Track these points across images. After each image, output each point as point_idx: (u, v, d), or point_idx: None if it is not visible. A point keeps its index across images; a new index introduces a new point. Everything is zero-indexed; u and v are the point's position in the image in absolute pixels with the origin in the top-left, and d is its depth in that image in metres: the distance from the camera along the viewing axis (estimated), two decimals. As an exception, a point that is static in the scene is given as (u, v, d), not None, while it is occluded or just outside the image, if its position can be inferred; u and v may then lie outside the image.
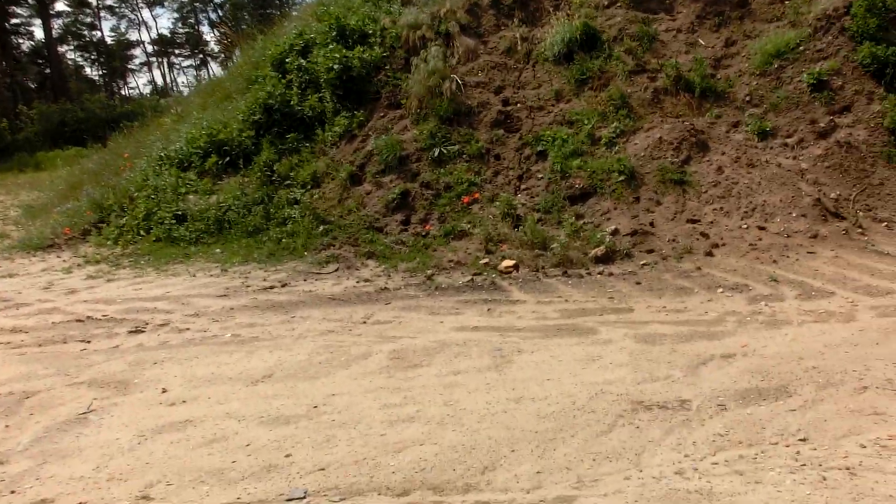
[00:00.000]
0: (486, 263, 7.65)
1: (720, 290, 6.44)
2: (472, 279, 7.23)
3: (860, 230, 7.74)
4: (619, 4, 11.35)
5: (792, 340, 5.15)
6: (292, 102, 10.64)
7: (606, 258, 7.57)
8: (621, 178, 8.71)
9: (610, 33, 10.88)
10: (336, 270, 7.77)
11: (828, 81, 9.50)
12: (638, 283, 6.80)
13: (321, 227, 8.83)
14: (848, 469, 3.41)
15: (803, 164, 8.76)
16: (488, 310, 6.26)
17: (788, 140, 9.15)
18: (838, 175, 8.57)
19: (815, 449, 3.63)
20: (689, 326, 5.55)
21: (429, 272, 7.44)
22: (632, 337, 5.38)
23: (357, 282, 7.31)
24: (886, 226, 7.87)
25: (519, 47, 11.14)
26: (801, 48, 9.91)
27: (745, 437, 3.77)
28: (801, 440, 3.73)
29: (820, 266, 6.87)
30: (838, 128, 9.09)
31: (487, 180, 9.40)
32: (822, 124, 9.14)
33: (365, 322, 6.05)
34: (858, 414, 4.00)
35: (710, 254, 7.47)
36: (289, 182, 9.87)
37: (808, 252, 7.28)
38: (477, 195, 9.01)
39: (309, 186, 9.73)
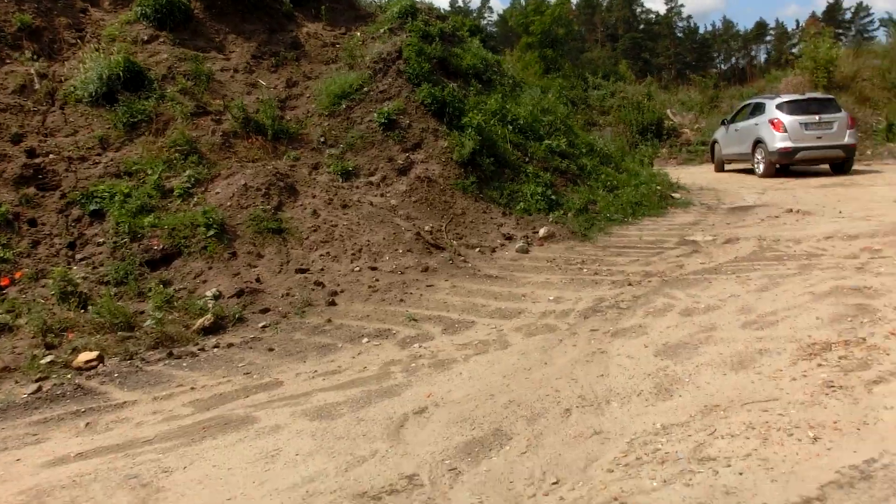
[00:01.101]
0: (51, 362, 5.79)
1: (365, 339, 5.96)
2: (39, 388, 5.35)
3: (461, 258, 8.17)
4: (161, 40, 10.33)
5: (470, 379, 4.91)
6: None
7: (217, 327, 6.47)
8: (211, 232, 7.66)
9: (158, 71, 9.77)
10: None
11: (396, 121, 10.04)
12: (271, 350, 5.89)
13: None
14: (616, 499, 3.19)
15: (392, 200, 8.99)
16: (87, 425, 4.59)
17: (372, 178, 9.33)
18: (426, 208, 9.01)
19: (574, 489, 3.34)
20: (359, 387, 4.89)
21: (-35, 391, 5.28)
22: (301, 415, 4.47)
23: None
24: (479, 251, 8.48)
25: (38, 86, 9.22)
26: (365, 89, 10.31)
27: (500, 500, 3.26)
28: (554, 484, 3.40)
29: (445, 298, 6.94)
30: (415, 164, 9.63)
31: (24, 253, 7.35)
32: (399, 161, 9.57)
33: None
34: (581, 438, 3.86)
35: (332, 303, 6.97)
36: None
37: (427, 286, 7.34)
38: (19, 274, 6.93)
39: None
